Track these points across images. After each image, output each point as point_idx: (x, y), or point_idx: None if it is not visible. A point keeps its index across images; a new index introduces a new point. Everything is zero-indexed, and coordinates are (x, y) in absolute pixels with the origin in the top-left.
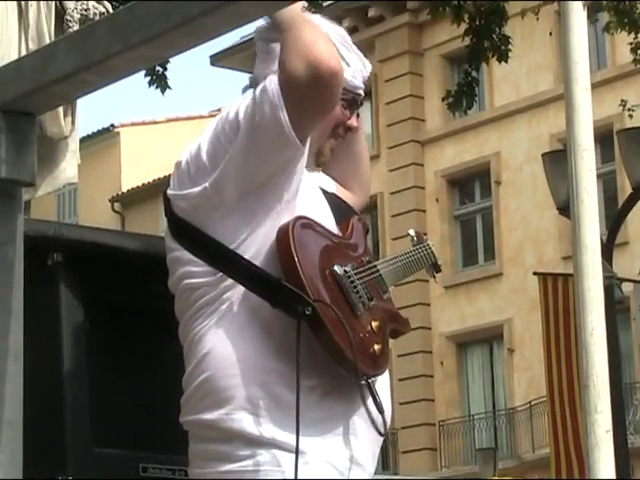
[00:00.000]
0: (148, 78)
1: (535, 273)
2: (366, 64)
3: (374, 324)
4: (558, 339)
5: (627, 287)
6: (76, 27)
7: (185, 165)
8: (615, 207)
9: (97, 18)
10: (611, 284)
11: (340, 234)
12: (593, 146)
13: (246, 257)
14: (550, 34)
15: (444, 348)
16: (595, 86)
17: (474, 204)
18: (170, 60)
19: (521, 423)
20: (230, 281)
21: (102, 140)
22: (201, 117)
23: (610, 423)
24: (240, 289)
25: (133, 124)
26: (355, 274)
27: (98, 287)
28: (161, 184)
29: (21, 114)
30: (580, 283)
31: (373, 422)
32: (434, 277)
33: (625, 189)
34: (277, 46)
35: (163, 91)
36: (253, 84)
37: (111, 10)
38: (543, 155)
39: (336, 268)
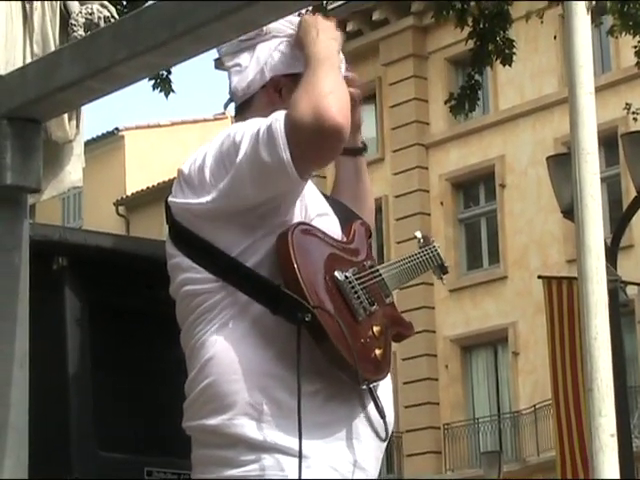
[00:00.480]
0: (152, 82)
1: (540, 277)
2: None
3: (375, 329)
4: (563, 342)
5: (632, 290)
6: (81, 31)
7: (188, 175)
8: (620, 210)
9: (101, 22)
10: (615, 287)
11: (342, 238)
12: (597, 150)
13: (247, 265)
14: (554, 37)
15: (449, 351)
16: (599, 89)
17: (479, 207)
18: None
19: (526, 426)
20: (231, 287)
21: (107, 144)
22: (205, 120)
23: (614, 427)
24: (241, 295)
25: (138, 128)
26: (356, 279)
27: (103, 291)
28: (166, 188)
29: (27, 121)
30: (584, 287)
31: (373, 427)
32: (441, 279)
33: (629, 192)
34: (244, 55)
35: (167, 95)
36: (234, 98)
37: (115, 14)
38: (547, 158)
39: (336, 274)
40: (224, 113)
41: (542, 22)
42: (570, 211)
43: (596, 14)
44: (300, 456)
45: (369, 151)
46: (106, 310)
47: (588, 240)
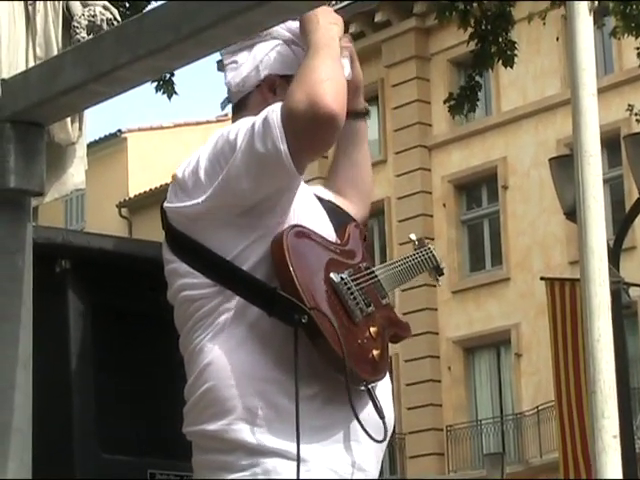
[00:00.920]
0: (155, 84)
1: (542, 278)
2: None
3: (372, 330)
4: (566, 344)
5: (634, 292)
6: (83, 33)
7: (182, 179)
8: (622, 212)
9: (104, 24)
10: (618, 289)
11: (337, 241)
12: (600, 151)
13: (243, 268)
14: (557, 39)
15: (451, 353)
16: (602, 91)
17: (481, 209)
18: None
19: (529, 428)
20: (228, 292)
21: (109, 146)
22: (208, 122)
23: (617, 428)
24: (238, 300)
25: (140, 129)
26: (352, 280)
27: (106, 293)
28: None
29: (30, 124)
30: (587, 289)
31: (372, 428)
32: (437, 280)
33: (632, 194)
34: (242, 54)
35: (170, 96)
36: (228, 94)
37: (118, 17)
38: (550, 160)
39: (332, 275)
40: (227, 115)
41: (544, 23)
42: (573, 213)
43: (599, 15)
44: (299, 460)
45: (372, 153)
46: (109, 312)
47: (591, 242)
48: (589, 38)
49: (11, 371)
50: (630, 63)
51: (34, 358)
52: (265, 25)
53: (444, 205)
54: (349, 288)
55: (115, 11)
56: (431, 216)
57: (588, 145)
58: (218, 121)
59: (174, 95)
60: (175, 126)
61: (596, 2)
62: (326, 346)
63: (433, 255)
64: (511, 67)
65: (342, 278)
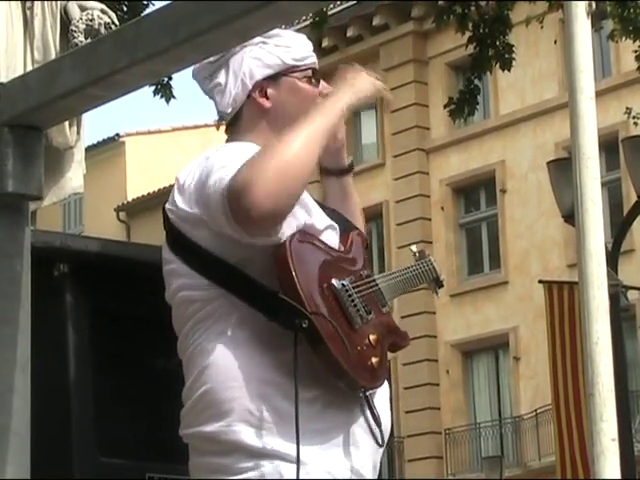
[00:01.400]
0: (153, 87)
1: (540, 281)
2: (302, 38)
3: (372, 337)
4: (564, 347)
5: (633, 295)
6: (81, 37)
7: (183, 184)
8: (620, 215)
9: (102, 28)
10: (616, 292)
11: (340, 248)
12: (598, 154)
13: (246, 272)
14: (555, 42)
15: (450, 356)
16: (600, 94)
17: (479, 212)
18: None
19: (527, 431)
20: (227, 294)
21: (107, 150)
22: (207, 126)
23: (616, 431)
24: (238, 302)
25: (138, 133)
26: (353, 288)
27: (104, 297)
28: (167, 193)
29: (28, 128)
30: (585, 292)
31: (372, 433)
32: (436, 292)
33: (630, 197)
34: (220, 74)
35: (168, 100)
36: (224, 117)
37: (116, 20)
38: (548, 163)
39: (334, 282)
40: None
41: (542, 27)
42: (571, 215)
43: (596, 18)
44: (298, 462)
45: (370, 156)
46: (107, 316)
47: (589, 245)
48: (587, 41)
49: (9, 374)
50: (628, 66)
51: (32, 361)
52: (262, 29)
53: (442, 208)
54: (350, 295)
55: (113, 15)
56: (429, 219)
57: (586, 148)
58: (216, 125)
59: (172, 99)
60: (173, 130)
61: (594, 5)
62: (326, 351)
63: (433, 267)
64: (509, 70)
65: (343, 285)
